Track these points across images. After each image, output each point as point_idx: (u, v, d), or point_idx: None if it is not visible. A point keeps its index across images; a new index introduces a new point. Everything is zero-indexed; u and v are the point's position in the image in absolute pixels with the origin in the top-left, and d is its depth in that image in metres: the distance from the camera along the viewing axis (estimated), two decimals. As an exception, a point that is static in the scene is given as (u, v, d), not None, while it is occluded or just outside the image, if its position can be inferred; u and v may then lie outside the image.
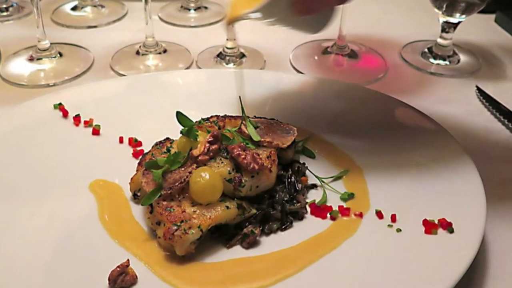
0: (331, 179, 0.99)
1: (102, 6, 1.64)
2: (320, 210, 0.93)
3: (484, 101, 1.27)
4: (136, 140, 1.06)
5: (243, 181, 0.89)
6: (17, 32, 1.51)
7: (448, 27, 1.37)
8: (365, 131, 1.08)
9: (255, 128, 0.98)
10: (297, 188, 0.96)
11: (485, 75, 1.39)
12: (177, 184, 0.87)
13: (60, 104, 1.10)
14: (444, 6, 1.32)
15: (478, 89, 1.30)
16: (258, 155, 0.92)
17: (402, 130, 1.08)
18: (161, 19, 1.61)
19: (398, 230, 0.88)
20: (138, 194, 0.94)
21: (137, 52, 1.41)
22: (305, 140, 1.06)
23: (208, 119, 1.02)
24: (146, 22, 1.35)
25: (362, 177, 0.99)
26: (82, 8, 1.63)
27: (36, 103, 1.11)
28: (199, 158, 0.90)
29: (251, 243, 0.87)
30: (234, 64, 1.38)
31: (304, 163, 1.02)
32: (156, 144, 0.99)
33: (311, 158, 1.04)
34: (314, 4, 0.87)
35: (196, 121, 0.99)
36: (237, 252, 0.87)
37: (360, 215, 0.92)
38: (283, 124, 1.02)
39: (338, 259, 0.84)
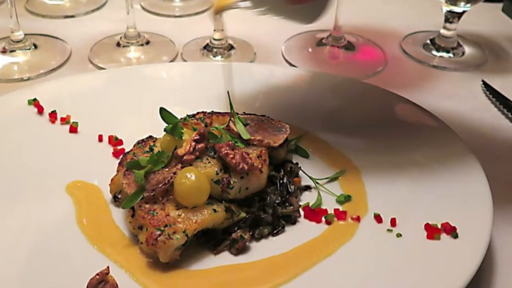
0: (326, 180, 0.99)
1: (80, -5, 1.64)
2: (315, 213, 0.93)
3: (490, 96, 1.28)
4: (116, 138, 1.05)
5: (232, 182, 0.89)
6: (-12, 22, 1.51)
7: (452, 16, 1.37)
8: (363, 129, 1.08)
9: (245, 125, 0.98)
10: (290, 190, 0.96)
11: (491, 68, 1.39)
12: (160, 185, 0.87)
13: (34, 99, 1.09)
14: (448, -6, 1.32)
15: (484, 83, 1.31)
16: (248, 154, 0.92)
17: (403, 128, 1.08)
18: (143, 8, 1.60)
19: (398, 235, 0.88)
20: (119, 196, 0.94)
21: (118, 44, 1.41)
22: (298, 139, 1.06)
23: (194, 115, 1.02)
24: (128, 12, 1.35)
25: (359, 178, 0.99)
26: (58, -4, 1.63)
27: (9, 99, 1.10)
28: (184, 157, 0.90)
29: (240, 249, 0.87)
30: (222, 57, 1.38)
31: (297, 163, 1.02)
32: (138, 142, 0.99)
33: (305, 158, 1.04)
34: (308, -8, 0.88)
35: (181, 118, 0.99)
36: (225, 258, 0.86)
37: (358, 219, 0.92)
38: (275, 121, 1.02)
39: (333, 266, 0.84)
